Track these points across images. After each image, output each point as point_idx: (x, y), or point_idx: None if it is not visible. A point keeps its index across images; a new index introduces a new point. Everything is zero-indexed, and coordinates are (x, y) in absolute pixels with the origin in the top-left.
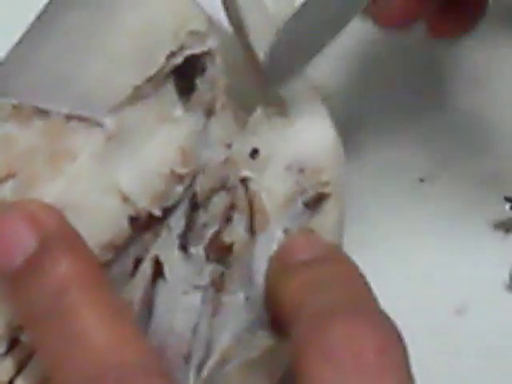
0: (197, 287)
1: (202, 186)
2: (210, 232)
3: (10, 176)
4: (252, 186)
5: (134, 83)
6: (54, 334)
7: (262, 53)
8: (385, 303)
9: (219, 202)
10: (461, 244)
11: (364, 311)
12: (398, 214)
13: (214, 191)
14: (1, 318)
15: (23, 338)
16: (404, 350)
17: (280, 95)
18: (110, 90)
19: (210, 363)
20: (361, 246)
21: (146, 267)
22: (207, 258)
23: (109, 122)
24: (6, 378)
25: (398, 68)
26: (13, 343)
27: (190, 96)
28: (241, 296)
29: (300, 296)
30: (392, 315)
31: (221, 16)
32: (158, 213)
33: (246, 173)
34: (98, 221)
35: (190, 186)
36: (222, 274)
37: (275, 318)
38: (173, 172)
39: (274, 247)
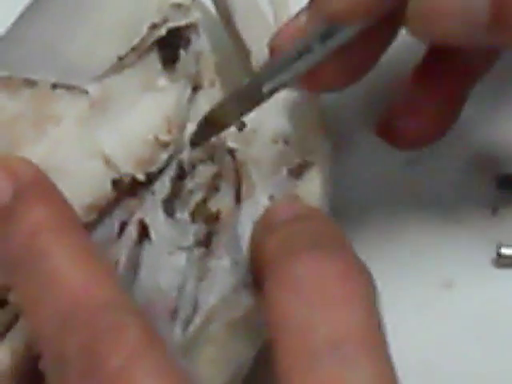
0: (182, 248)
1: (189, 155)
2: (195, 199)
3: None
4: (239, 156)
5: (118, 53)
6: (26, 277)
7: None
8: (374, 277)
9: (206, 170)
10: (449, 222)
11: (330, 246)
12: (386, 192)
13: (201, 161)
14: None
15: (11, 298)
16: (372, 287)
17: None
18: (95, 59)
19: (197, 321)
20: (348, 224)
21: (132, 229)
22: (192, 221)
23: (93, 89)
24: None
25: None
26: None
27: (174, 67)
28: (227, 261)
29: (276, 252)
30: (380, 288)
31: None
32: (141, 177)
33: (232, 144)
34: (81, 183)
35: (176, 154)
36: (208, 236)
37: (256, 277)
38: (157, 139)
39: (259, 213)
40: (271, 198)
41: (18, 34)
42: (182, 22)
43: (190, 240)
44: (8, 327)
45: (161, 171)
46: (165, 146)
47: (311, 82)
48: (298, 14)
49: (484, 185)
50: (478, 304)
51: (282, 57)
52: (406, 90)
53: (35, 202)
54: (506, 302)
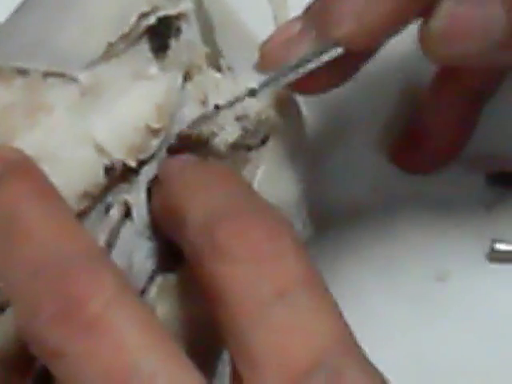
0: None
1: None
2: None
3: None
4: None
5: (108, 41)
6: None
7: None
8: (368, 270)
9: None
10: (443, 217)
11: (248, 207)
12: (381, 188)
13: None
14: None
15: None
16: (295, 234)
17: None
18: (86, 48)
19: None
20: (342, 220)
21: (115, 210)
22: None
23: (83, 77)
24: None
25: None
26: None
27: (165, 55)
28: None
29: (198, 223)
30: (374, 281)
31: None
32: (133, 164)
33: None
34: (74, 170)
35: (167, 141)
36: None
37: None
38: (148, 126)
39: None
40: None
41: (10, 24)
42: (172, 11)
43: None
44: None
45: (151, 157)
46: (155, 133)
47: (301, 87)
48: (292, 22)
49: (478, 181)
50: (471, 298)
51: (274, 73)
52: (418, 116)
53: (17, 179)
54: (500, 296)
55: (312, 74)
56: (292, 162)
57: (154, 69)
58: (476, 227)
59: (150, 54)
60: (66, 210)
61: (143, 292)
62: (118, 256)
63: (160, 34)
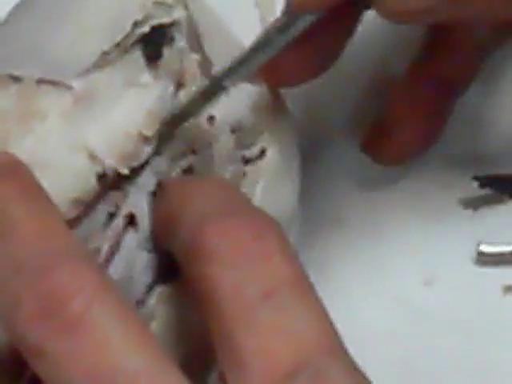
0: None
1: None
2: None
3: None
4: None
5: (102, 49)
6: None
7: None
8: (355, 274)
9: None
10: (430, 220)
11: (235, 209)
12: (367, 191)
13: (182, 154)
14: None
15: None
16: (282, 234)
17: None
18: (79, 55)
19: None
20: (329, 223)
21: (120, 221)
22: None
23: (77, 84)
24: None
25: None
26: None
27: (158, 64)
28: None
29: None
30: (361, 285)
31: None
32: (125, 171)
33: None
34: (67, 177)
35: (159, 148)
36: None
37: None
38: (140, 134)
39: None
40: None
41: (3, 31)
42: (165, 20)
43: None
44: None
45: (143, 165)
46: (148, 140)
47: (272, 75)
48: None
49: (465, 184)
50: (458, 301)
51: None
52: (389, 107)
53: (5, 180)
54: (486, 299)
55: (279, 61)
56: (289, 173)
57: (146, 77)
58: (463, 230)
59: (143, 62)
60: (51, 211)
61: (141, 302)
62: (118, 265)
63: (153, 43)
